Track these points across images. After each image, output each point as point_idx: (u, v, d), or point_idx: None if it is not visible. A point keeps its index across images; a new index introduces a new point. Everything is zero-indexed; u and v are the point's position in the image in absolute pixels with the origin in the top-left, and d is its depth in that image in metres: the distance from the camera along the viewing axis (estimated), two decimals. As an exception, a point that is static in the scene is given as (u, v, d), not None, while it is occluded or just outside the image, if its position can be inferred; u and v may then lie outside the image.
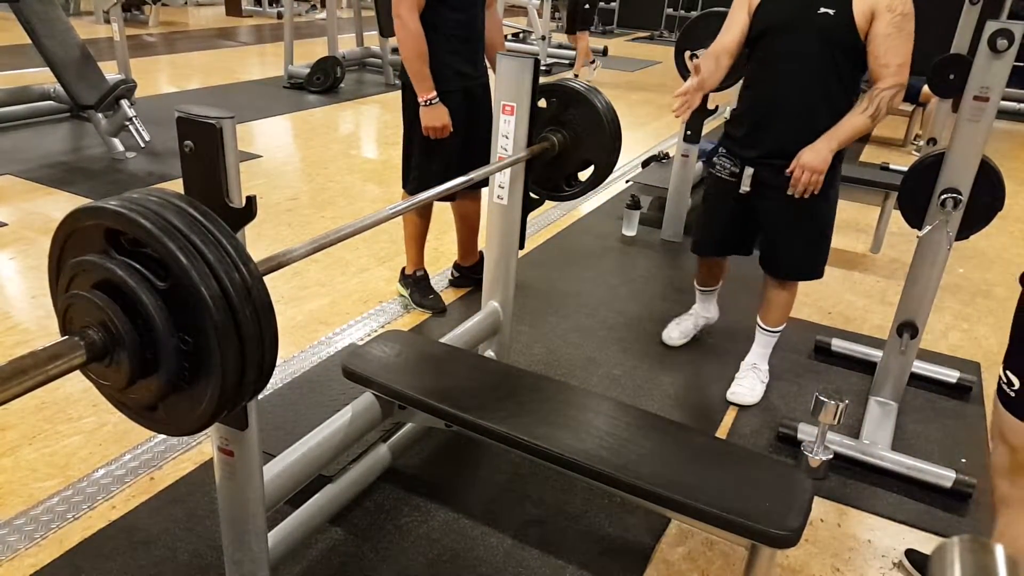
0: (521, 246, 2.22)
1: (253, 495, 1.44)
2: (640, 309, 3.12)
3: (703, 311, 2.89)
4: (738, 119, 2.38)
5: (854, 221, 4.26)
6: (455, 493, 2.01)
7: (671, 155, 4.11)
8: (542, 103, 2.12)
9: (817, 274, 2.44)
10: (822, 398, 2.01)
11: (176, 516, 1.86)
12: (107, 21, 6.14)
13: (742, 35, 2.26)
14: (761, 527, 1.40)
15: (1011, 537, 1.43)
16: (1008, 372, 1.37)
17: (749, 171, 2.32)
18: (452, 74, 2.59)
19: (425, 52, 2.50)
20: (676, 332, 2.84)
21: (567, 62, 8.89)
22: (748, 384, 2.55)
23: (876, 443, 2.25)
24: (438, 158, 2.68)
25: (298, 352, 2.64)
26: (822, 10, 2.11)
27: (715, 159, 2.44)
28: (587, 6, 7.46)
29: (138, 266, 0.94)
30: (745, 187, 2.33)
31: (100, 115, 4.52)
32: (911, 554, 1.89)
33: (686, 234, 3.87)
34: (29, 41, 4.47)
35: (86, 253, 0.97)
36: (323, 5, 10.13)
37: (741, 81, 2.53)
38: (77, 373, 0.96)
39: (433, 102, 2.55)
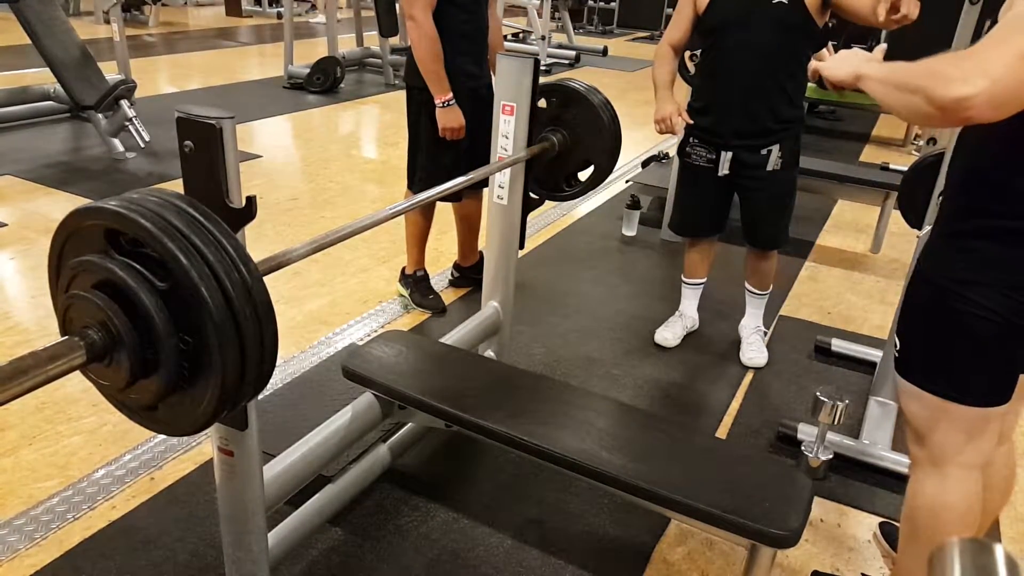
0: (521, 246, 2.22)
1: (253, 495, 1.44)
2: (640, 309, 3.12)
3: (689, 311, 2.91)
4: (703, 110, 2.49)
5: (854, 221, 4.26)
6: (455, 493, 2.01)
7: (671, 155, 4.11)
8: (542, 103, 2.12)
9: (786, 240, 2.66)
10: (822, 398, 2.02)
11: (176, 516, 1.86)
12: (107, 21, 6.15)
13: (688, 32, 2.45)
14: (761, 527, 1.40)
15: (914, 495, 1.49)
16: (896, 336, 1.46)
17: (727, 155, 2.46)
18: (460, 75, 2.60)
19: (441, 53, 2.51)
20: (668, 333, 2.86)
21: (567, 62, 8.90)
22: (757, 347, 2.77)
23: (876, 443, 2.25)
24: (444, 159, 2.69)
25: (298, 352, 2.64)
26: (775, 0, 2.24)
27: (688, 148, 2.57)
28: None
29: (138, 266, 0.94)
30: (724, 170, 2.48)
31: (100, 115, 4.52)
32: (885, 526, 1.94)
33: (686, 234, 3.88)
34: (29, 41, 4.47)
35: (86, 253, 0.97)
36: (323, 7, 10.12)
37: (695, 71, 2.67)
38: (77, 373, 0.96)
39: (450, 103, 2.56)
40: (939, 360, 1.38)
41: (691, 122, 2.44)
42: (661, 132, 2.43)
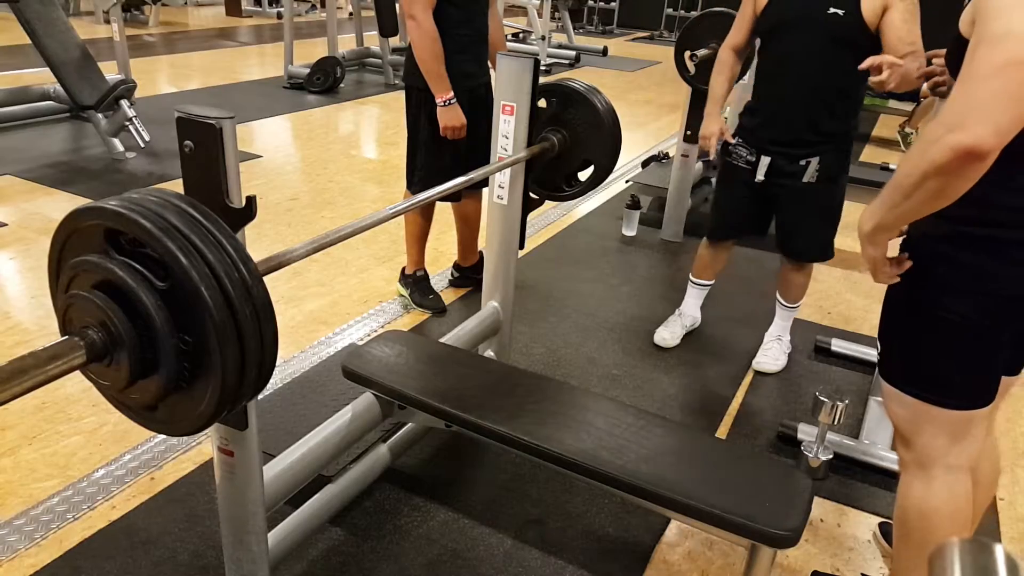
0: (521, 246, 2.22)
1: (253, 495, 1.44)
2: (640, 309, 3.12)
3: (691, 310, 2.90)
4: (752, 111, 2.46)
5: (854, 221, 4.25)
6: (455, 493, 2.01)
7: (671, 155, 4.11)
8: (542, 103, 2.12)
9: (829, 255, 2.58)
10: (822, 398, 2.02)
11: (176, 516, 1.87)
12: (107, 21, 6.15)
13: (748, 33, 2.41)
14: (761, 527, 1.40)
15: (903, 498, 1.50)
16: (878, 341, 1.49)
17: (765, 160, 2.41)
18: (459, 75, 2.60)
19: (441, 52, 2.51)
20: (667, 333, 2.85)
21: (567, 62, 8.90)
22: (773, 354, 2.73)
23: (876, 443, 2.25)
24: (443, 158, 2.69)
25: (298, 352, 2.64)
26: (832, 10, 2.18)
27: (731, 147, 2.52)
28: None
29: (138, 266, 0.94)
30: (761, 176, 2.43)
31: (100, 115, 4.52)
32: (884, 526, 1.95)
33: (686, 234, 3.88)
34: (29, 41, 4.47)
35: (86, 253, 0.97)
36: (323, 5, 10.13)
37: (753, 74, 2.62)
38: (77, 373, 0.96)
39: (451, 102, 2.56)
40: (919, 364, 1.40)
41: (732, 143, 2.43)
42: (704, 149, 2.41)
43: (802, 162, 2.35)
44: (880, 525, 1.98)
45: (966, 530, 1.48)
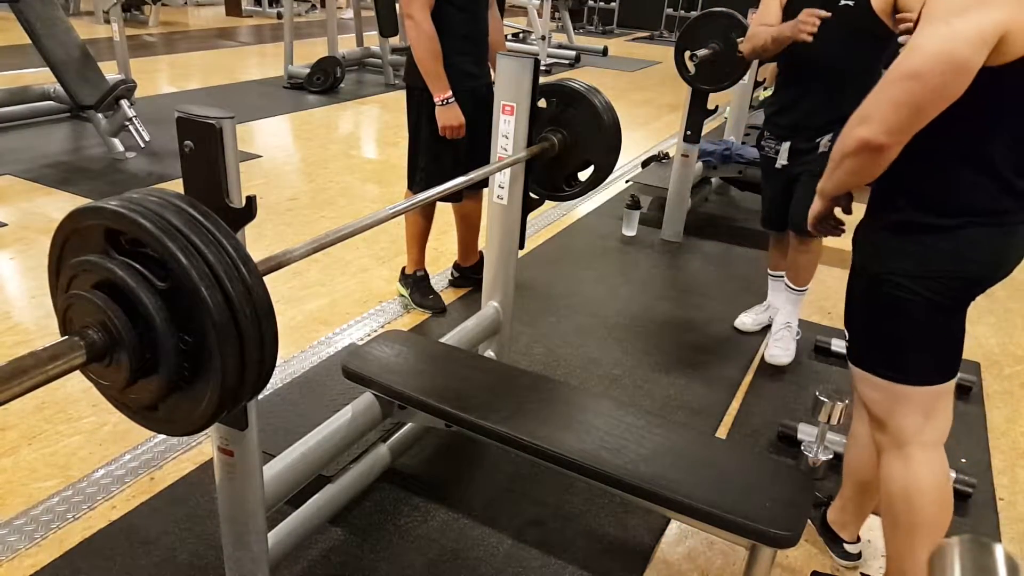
0: (521, 246, 2.22)
1: (253, 495, 1.44)
2: (640, 309, 3.12)
3: (774, 300, 2.94)
4: (775, 102, 2.57)
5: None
6: (455, 493, 2.01)
7: (671, 155, 4.11)
8: (542, 103, 2.12)
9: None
10: (822, 398, 2.02)
11: (176, 516, 1.87)
12: (107, 21, 6.15)
13: (777, 19, 2.44)
14: (761, 527, 1.40)
15: (885, 482, 1.54)
16: (845, 328, 1.57)
17: (785, 145, 2.51)
18: (460, 75, 2.60)
19: (439, 52, 2.52)
20: (749, 319, 2.91)
21: (567, 62, 8.90)
22: (784, 345, 2.76)
23: (876, 443, 2.25)
24: (444, 158, 2.69)
25: (298, 352, 2.64)
26: (843, 2, 2.27)
27: (763, 142, 2.63)
28: None
29: (138, 266, 0.94)
30: (782, 160, 2.53)
31: (100, 115, 4.52)
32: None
33: (686, 234, 3.88)
34: (29, 41, 4.47)
35: (86, 253, 0.97)
36: (323, 5, 10.14)
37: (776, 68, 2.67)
38: (77, 373, 0.96)
39: (449, 102, 2.56)
40: (883, 346, 1.46)
41: (827, 15, 2.23)
42: (813, 25, 2.22)
43: (816, 139, 2.45)
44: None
45: (949, 504, 1.52)
